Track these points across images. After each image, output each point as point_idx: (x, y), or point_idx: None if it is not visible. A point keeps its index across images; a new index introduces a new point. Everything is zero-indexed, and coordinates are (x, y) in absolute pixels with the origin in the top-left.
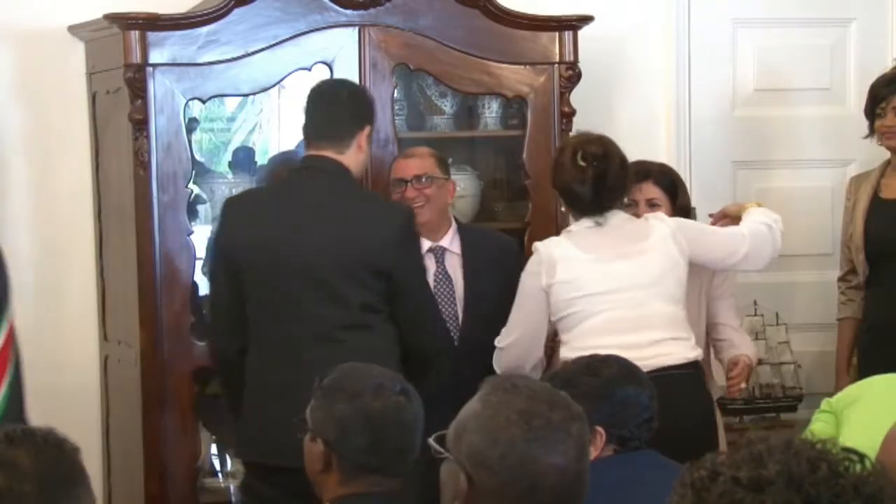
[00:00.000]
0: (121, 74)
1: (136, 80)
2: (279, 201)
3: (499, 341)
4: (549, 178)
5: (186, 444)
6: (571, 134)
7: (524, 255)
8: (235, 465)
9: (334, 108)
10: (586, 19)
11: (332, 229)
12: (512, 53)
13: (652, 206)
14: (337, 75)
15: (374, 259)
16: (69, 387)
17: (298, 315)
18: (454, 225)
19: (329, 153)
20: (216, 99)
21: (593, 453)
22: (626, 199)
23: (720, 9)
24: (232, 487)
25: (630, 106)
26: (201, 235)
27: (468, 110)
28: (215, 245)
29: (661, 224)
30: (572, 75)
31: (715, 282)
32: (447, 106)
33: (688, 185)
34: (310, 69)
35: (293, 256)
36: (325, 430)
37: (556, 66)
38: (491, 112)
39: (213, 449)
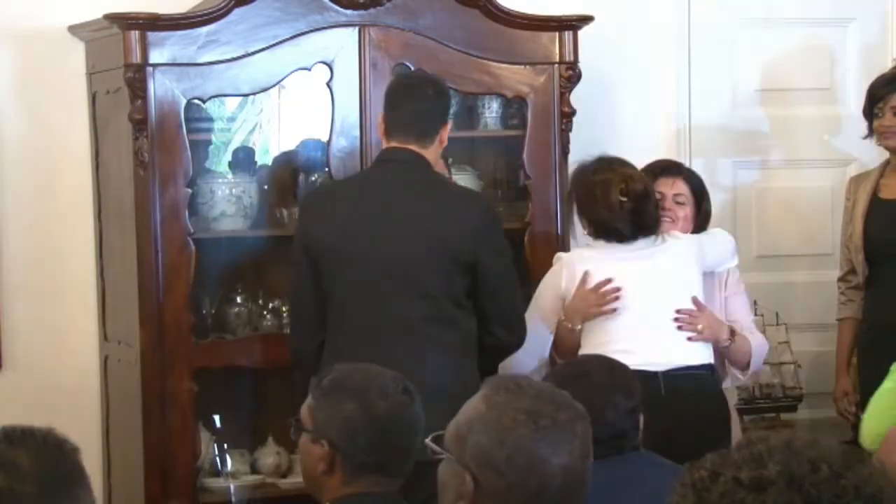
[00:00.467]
0: (121, 74)
1: (136, 80)
2: (363, 193)
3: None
4: (572, 203)
5: (186, 444)
6: (590, 160)
7: (523, 254)
8: (235, 465)
9: (422, 104)
10: (586, 19)
11: (418, 221)
12: (512, 53)
13: (678, 202)
14: (337, 75)
15: (461, 248)
16: (69, 387)
17: (382, 307)
18: None
19: (413, 146)
20: (216, 99)
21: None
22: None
23: (720, 9)
24: (232, 487)
25: (630, 106)
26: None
27: (468, 110)
28: (296, 241)
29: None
30: (572, 75)
31: (730, 281)
32: None
33: None
34: (310, 69)
35: (379, 248)
36: (330, 431)
37: (556, 66)
38: (491, 112)
39: (214, 449)
